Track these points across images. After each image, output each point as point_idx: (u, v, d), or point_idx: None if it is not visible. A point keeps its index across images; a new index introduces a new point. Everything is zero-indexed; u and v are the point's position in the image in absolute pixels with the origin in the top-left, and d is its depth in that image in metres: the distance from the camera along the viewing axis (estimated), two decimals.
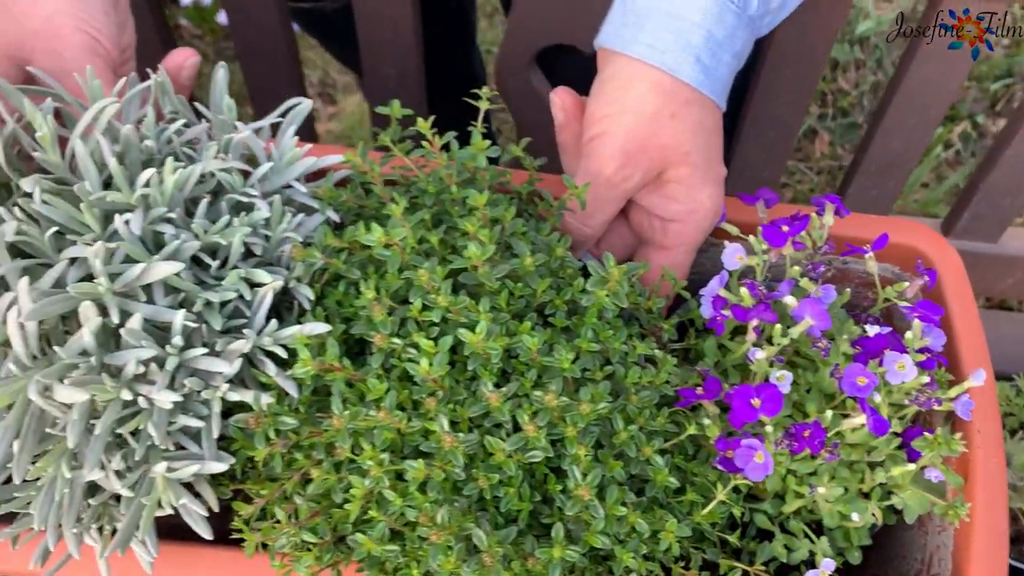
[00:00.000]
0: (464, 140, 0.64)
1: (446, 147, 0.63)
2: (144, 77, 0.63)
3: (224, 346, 0.54)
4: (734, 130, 0.98)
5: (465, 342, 0.54)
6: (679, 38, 0.60)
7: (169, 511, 0.55)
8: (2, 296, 0.52)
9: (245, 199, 0.58)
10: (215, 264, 0.56)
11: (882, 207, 1.05)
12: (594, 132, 0.63)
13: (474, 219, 0.58)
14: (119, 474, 0.54)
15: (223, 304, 0.56)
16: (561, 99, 0.66)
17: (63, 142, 0.58)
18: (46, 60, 0.62)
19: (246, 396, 0.55)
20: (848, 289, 0.67)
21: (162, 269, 0.53)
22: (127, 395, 0.51)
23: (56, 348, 0.51)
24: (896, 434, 0.61)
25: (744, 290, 0.61)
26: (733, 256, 0.64)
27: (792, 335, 0.59)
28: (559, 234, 0.63)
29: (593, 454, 0.56)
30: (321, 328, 0.55)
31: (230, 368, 0.54)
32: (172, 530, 0.58)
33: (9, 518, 0.57)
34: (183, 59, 0.67)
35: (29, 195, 0.55)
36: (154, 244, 0.56)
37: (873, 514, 0.62)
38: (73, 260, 0.54)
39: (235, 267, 0.56)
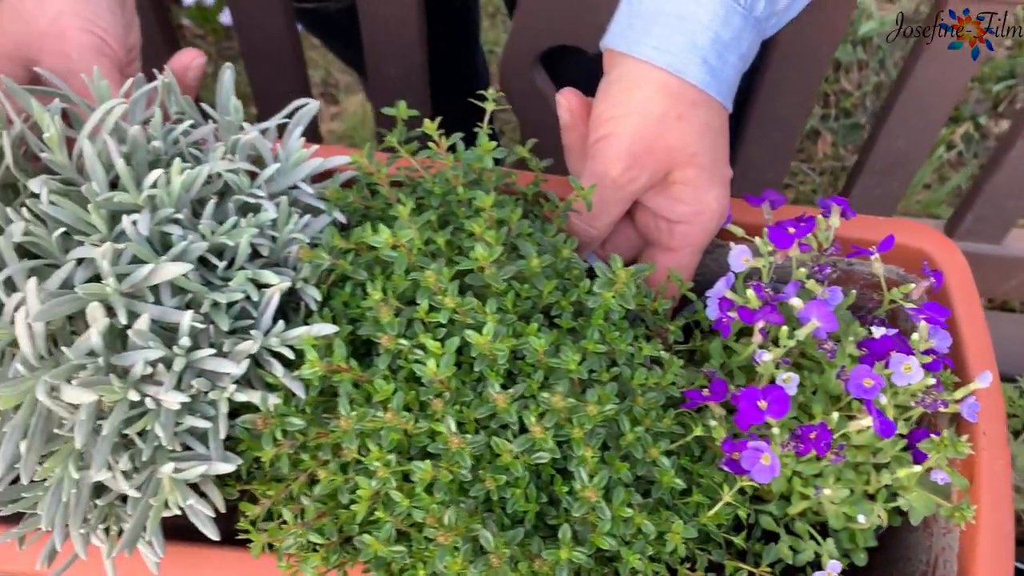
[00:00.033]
0: (468, 141, 0.64)
1: (452, 148, 0.63)
2: (150, 77, 0.63)
3: (231, 347, 0.54)
4: (738, 131, 0.98)
5: (472, 343, 0.54)
6: (686, 39, 0.60)
7: (176, 512, 0.55)
8: (10, 297, 0.52)
9: (252, 200, 0.58)
10: (222, 265, 0.56)
11: (886, 208, 1.05)
12: (600, 133, 0.63)
13: (481, 220, 0.58)
14: (126, 475, 0.54)
15: (230, 305, 0.56)
16: (567, 100, 0.66)
17: (70, 143, 0.58)
18: (53, 60, 0.62)
19: (253, 397, 0.55)
20: (853, 291, 0.67)
21: (170, 270, 0.53)
22: (134, 396, 0.51)
23: (64, 349, 0.51)
24: (901, 436, 0.61)
25: (750, 292, 0.61)
26: (739, 258, 0.64)
27: (798, 337, 0.59)
28: (565, 235, 0.63)
29: (600, 455, 0.56)
30: (328, 329, 0.55)
31: (237, 369, 0.54)
32: (178, 531, 0.58)
33: (16, 518, 0.57)
34: (189, 60, 0.67)
35: (36, 196, 0.55)
36: (161, 245, 0.56)
37: (879, 516, 0.62)
38: (80, 261, 0.54)
39: (242, 268, 0.56)
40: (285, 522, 0.56)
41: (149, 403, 0.52)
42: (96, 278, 0.53)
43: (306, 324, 0.57)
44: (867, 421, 0.58)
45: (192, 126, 0.61)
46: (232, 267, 0.57)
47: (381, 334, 0.55)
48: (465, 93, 0.86)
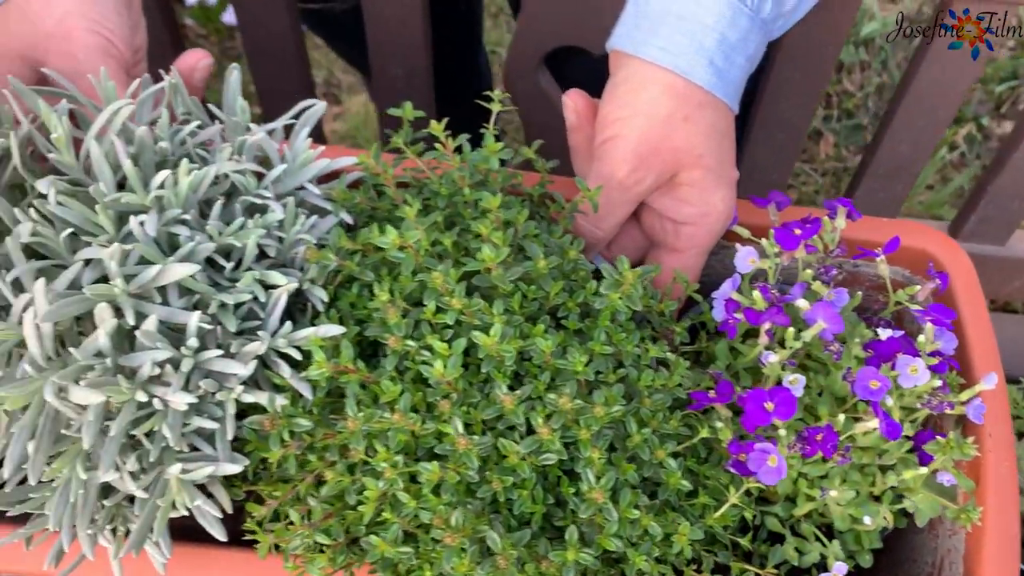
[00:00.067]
0: (473, 142, 0.64)
1: (458, 149, 0.63)
2: (156, 78, 0.63)
3: (239, 348, 0.54)
4: (743, 132, 0.98)
5: (479, 345, 0.54)
6: (692, 41, 0.60)
7: (183, 513, 0.55)
8: (18, 297, 0.52)
9: (259, 201, 0.58)
10: (229, 266, 0.56)
11: (890, 210, 1.05)
12: (607, 135, 0.63)
13: (487, 221, 0.58)
14: (133, 475, 0.54)
15: (237, 306, 0.56)
16: (574, 101, 0.66)
17: (77, 143, 0.58)
18: (60, 61, 0.62)
19: (260, 398, 0.55)
20: (859, 292, 0.67)
21: (177, 271, 0.53)
22: (142, 397, 0.52)
23: (71, 349, 0.51)
24: (907, 437, 0.61)
25: (757, 293, 0.61)
26: (746, 259, 0.64)
27: (805, 338, 0.59)
28: (571, 237, 0.63)
29: (607, 457, 0.56)
30: (335, 330, 0.55)
31: (244, 370, 0.54)
32: (184, 531, 0.58)
33: (23, 518, 0.58)
34: (196, 60, 0.67)
35: (44, 196, 0.55)
36: (168, 246, 0.56)
37: (884, 517, 0.62)
38: (88, 261, 0.54)
39: (249, 269, 0.56)
40: (292, 523, 0.56)
41: (157, 404, 0.52)
42: (104, 279, 0.53)
43: (313, 325, 0.57)
44: (873, 423, 0.58)
45: (199, 127, 0.61)
46: (239, 268, 0.57)
47: (388, 335, 0.55)
48: (468, 94, 0.87)
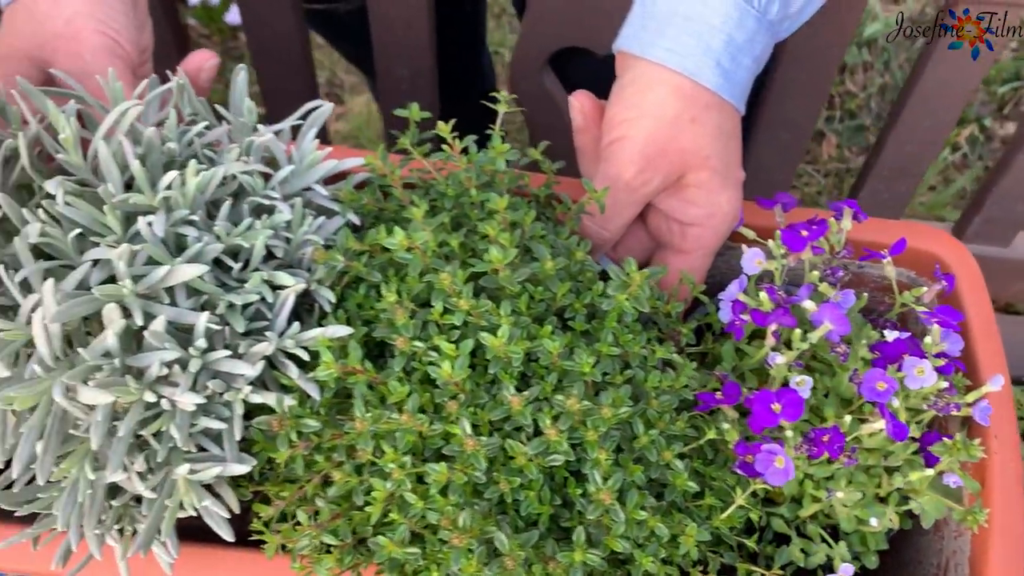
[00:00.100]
0: (477, 143, 0.64)
1: (464, 150, 0.63)
2: (161, 78, 0.63)
3: (246, 348, 0.54)
4: (748, 133, 0.98)
5: (486, 345, 0.54)
6: (699, 42, 0.60)
7: (191, 513, 0.55)
8: (26, 298, 0.52)
9: (266, 202, 0.58)
10: (237, 267, 0.56)
11: (894, 211, 1.05)
12: (613, 136, 0.63)
13: (494, 222, 0.58)
14: (141, 476, 0.54)
15: (245, 306, 0.56)
16: (580, 103, 0.66)
17: (85, 144, 0.58)
18: (67, 62, 0.62)
19: (268, 398, 0.55)
20: (865, 294, 0.67)
21: (186, 272, 0.53)
22: (150, 397, 0.52)
23: (80, 350, 0.51)
24: (913, 439, 0.61)
25: (763, 294, 0.61)
26: (752, 260, 0.64)
27: (811, 340, 0.60)
28: (578, 238, 0.63)
29: (614, 458, 0.56)
30: (343, 331, 0.55)
31: (252, 370, 0.54)
32: (191, 531, 0.58)
33: (31, 518, 0.58)
34: (202, 61, 0.67)
35: (52, 197, 0.55)
36: (176, 246, 0.56)
37: (890, 519, 0.62)
38: (96, 262, 0.54)
39: (257, 269, 0.57)
40: (299, 523, 0.56)
41: (164, 404, 0.52)
42: (111, 279, 0.54)
43: (320, 326, 0.57)
44: (880, 424, 0.58)
45: (206, 127, 0.61)
46: (247, 269, 0.57)
47: (396, 336, 0.56)
48: (472, 95, 0.87)
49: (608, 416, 0.55)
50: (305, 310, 0.60)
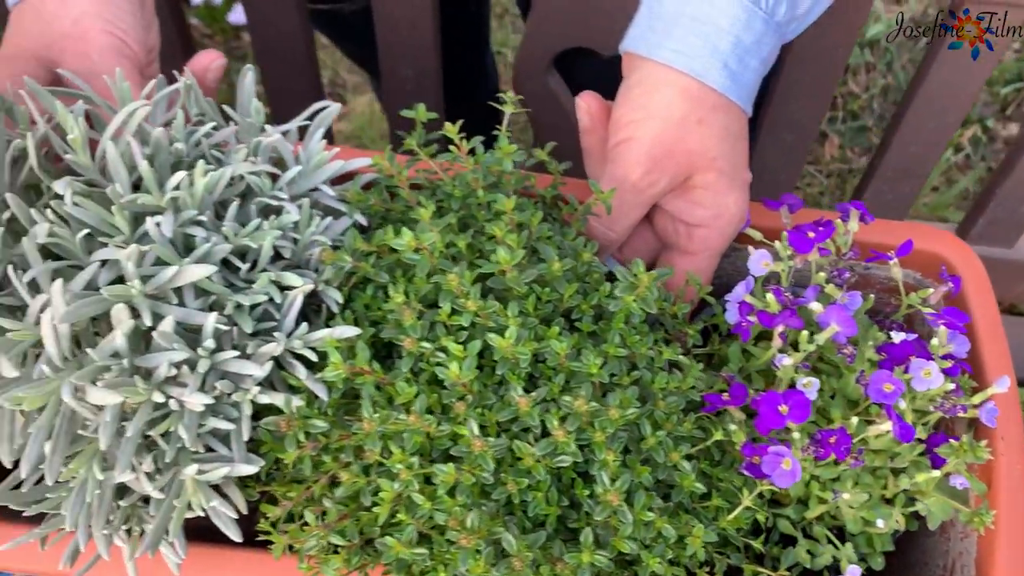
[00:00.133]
0: (483, 143, 0.64)
1: (471, 151, 0.63)
2: (168, 79, 0.63)
3: (254, 349, 0.54)
4: (754, 134, 0.98)
5: (494, 346, 0.54)
6: (707, 43, 0.60)
7: (199, 513, 0.55)
8: (34, 298, 0.52)
9: (274, 202, 0.58)
10: (245, 267, 0.56)
11: (898, 212, 1.05)
12: (620, 137, 0.63)
13: (502, 223, 0.58)
14: (149, 476, 0.54)
15: (253, 307, 0.56)
16: (587, 103, 0.67)
17: (93, 144, 0.58)
18: (75, 62, 0.62)
19: (276, 399, 0.55)
20: (871, 295, 0.67)
21: (194, 272, 0.53)
22: (159, 397, 0.52)
23: (88, 350, 0.51)
24: (920, 440, 0.61)
25: (770, 296, 0.61)
26: (759, 262, 0.64)
27: (818, 341, 0.60)
28: (585, 239, 0.63)
29: (621, 459, 0.56)
30: (351, 331, 0.55)
31: (260, 371, 0.54)
32: (198, 531, 0.58)
33: (38, 518, 0.58)
34: (209, 61, 0.67)
35: (60, 197, 0.55)
36: (184, 247, 0.56)
37: (896, 520, 0.62)
38: (104, 262, 0.54)
39: (264, 270, 0.57)
40: (306, 524, 0.56)
41: (173, 405, 0.52)
42: (120, 280, 0.54)
43: (328, 326, 0.57)
44: (886, 426, 0.58)
45: (214, 128, 0.61)
46: (255, 269, 0.57)
47: (403, 337, 0.56)
48: (476, 95, 0.87)
49: (615, 417, 0.55)
50: (313, 311, 0.60)
